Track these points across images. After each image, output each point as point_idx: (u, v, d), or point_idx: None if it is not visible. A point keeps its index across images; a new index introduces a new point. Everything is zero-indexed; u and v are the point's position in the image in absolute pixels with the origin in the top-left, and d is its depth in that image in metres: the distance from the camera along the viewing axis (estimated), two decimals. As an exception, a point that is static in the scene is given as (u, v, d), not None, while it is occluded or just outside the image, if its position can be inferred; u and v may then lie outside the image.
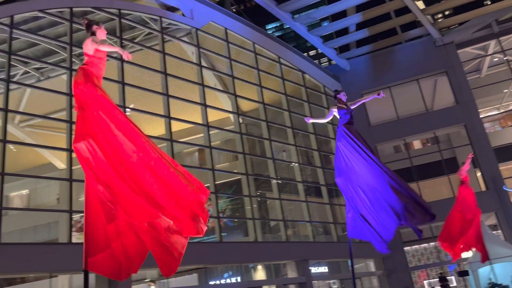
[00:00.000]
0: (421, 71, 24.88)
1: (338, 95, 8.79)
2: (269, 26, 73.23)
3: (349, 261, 8.60)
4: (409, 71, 24.89)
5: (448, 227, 12.15)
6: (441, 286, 20.21)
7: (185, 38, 18.92)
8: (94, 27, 5.01)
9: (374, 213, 8.00)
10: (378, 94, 8.51)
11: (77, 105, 4.84)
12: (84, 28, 5.13)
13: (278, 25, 74.23)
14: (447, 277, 20.90)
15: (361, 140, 8.25)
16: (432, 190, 23.88)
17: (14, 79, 17.56)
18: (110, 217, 4.66)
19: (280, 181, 20.26)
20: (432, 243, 23.07)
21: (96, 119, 4.69)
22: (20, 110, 19.13)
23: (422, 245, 23.36)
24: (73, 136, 13.64)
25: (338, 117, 8.73)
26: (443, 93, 25.12)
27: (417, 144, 28.25)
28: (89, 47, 4.93)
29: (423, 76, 25.02)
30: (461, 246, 12.09)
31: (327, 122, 23.57)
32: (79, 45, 16.22)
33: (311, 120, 9.39)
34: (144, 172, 4.70)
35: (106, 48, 4.94)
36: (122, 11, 16.49)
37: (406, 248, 23.00)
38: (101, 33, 5.04)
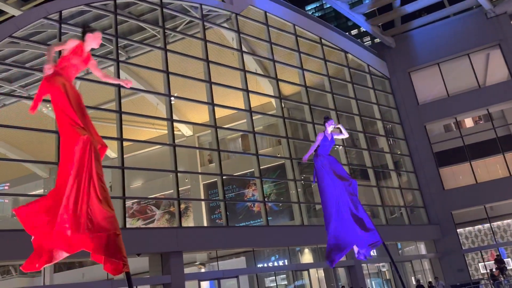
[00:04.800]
0: (472, 45, 23.62)
1: (326, 123, 8.45)
2: (309, 7, 71.84)
3: (391, 259, 8.41)
4: (458, 46, 23.71)
5: None
6: (497, 268, 19.47)
7: (225, 24, 18.95)
8: (87, 35, 4.75)
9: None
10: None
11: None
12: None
13: (318, 5, 72.67)
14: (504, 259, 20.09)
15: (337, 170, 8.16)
16: (486, 169, 22.81)
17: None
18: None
19: (325, 164, 20.03)
20: (486, 225, 22.17)
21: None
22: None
23: (476, 227, 22.50)
24: (123, 127, 14.10)
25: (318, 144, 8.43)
26: (497, 67, 23.75)
27: (469, 122, 26.98)
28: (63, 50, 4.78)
29: (474, 50, 23.75)
30: None
31: (372, 103, 23.14)
32: (124, 37, 16.67)
33: (307, 157, 8.66)
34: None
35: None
36: (163, 0, 16.73)
37: (459, 230, 22.24)
38: (92, 40, 4.78)
